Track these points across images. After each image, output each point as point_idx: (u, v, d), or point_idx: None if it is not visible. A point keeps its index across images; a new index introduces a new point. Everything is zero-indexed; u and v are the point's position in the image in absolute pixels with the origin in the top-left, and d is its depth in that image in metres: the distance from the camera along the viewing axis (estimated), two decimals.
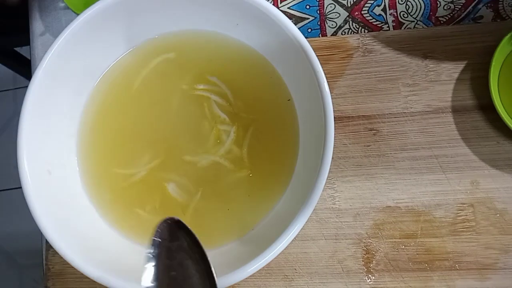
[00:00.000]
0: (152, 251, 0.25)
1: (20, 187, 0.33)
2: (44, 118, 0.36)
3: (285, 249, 0.31)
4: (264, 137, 0.37)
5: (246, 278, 0.37)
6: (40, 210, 0.32)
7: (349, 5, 0.44)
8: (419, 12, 0.43)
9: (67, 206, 0.35)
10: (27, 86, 0.35)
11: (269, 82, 0.37)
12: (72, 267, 0.32)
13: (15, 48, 0.95)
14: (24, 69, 0.96)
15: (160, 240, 0.26)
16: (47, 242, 0.41)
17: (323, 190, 0.32)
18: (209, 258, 0.26)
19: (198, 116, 0.38)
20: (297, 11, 0.45)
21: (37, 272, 1.09)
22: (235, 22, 0.36)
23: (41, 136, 0.35)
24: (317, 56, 0.33)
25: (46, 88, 0.35)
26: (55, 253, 0.41)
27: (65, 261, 0.32)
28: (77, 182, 0.38)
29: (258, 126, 0.37)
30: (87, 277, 0.32)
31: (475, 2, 0.43)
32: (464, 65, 0.40)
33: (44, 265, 0.42)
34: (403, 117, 0.40)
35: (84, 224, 0.36)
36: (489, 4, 0.43)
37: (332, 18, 0.44)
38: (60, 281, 0.41)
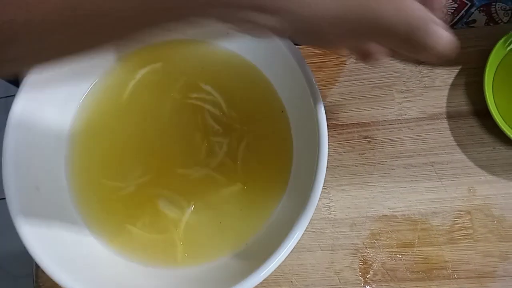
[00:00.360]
0: None
1: None
2: (32, 131, 0.35)
3: None
4: (257, 149, 0.36)
5: None
6: (27, 229, 0.31)
7: None
8: None
9: (56, 223, 0.34)
10: None
11: (262, 92, 0.36)
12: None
13: None
14: (15, 77, 0.95)
15: None
16: None
17: (318, 200, 0.31)
18: None
19: (190, 127, 0.37)
20: None
21: (31, 282, 1.07)
22: (225, 30, 0.35)
23: (29, 150, 0.34)
24: (309, 63, 0.32)
25: (33, 100, 0.35)
26: None
27: None
28: (66, 198, 0.37)
29: (251, 138, 0.36)
30: None
31: (467, 6, 0.43)
32: (458, 70, 0.40)
33: (34, 282, 0.41)
34: (398, 124, 0.40)
35: (73, 241, 0.35)
36: (481, 8, 0.42)
37: None
38: None
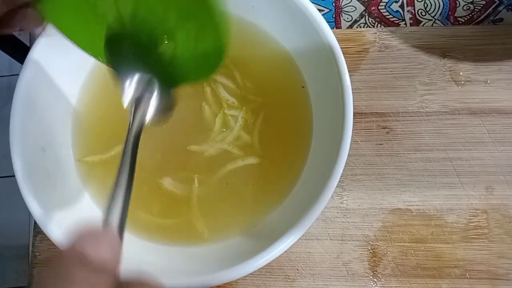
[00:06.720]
0: None
1: (5, 176, 0.31)
2: (41, 93, 0.33)
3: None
4: (275, 123, 0.34)
5: (245, 276, 0.35)
6: (30, 189, 0.29)
7: None
8: (437, 11, 0.42)
9: (60, 188, 0.33)
10: None
11: (282, 66, 0.35)
12: None
13: (14, 33, 0.92)
14: (21, 55, 0.93)
15: None
16: (35, 227, 0.39)
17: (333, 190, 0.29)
18: None
19: (202, 101, 0.36)
20: (312, 2, 0.43)
21: (19, 264, 1.05)
22: (250, 3, 0.34)
23: (37, 112, 0.33)
24: None
25: (45, 62, 0.33)
26: (43, 239, 0.38)
27: (53, 248, 0.30)
28: (71, 164, 0.35)
29: (268, 111, 0.35)
30: None
31: (495, 4, 0.42)
32: (483, 66, 0.39)
33: (30, 251, 0.39)
34: (418, 116, 0.38)
35: (78, 210, 0.34)
36: (510, 7, 0.41)
37: (347, 12, 0.43)
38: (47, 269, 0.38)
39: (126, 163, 0.24)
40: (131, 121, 0.27)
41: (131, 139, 0.26)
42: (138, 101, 0.28)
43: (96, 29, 0.28)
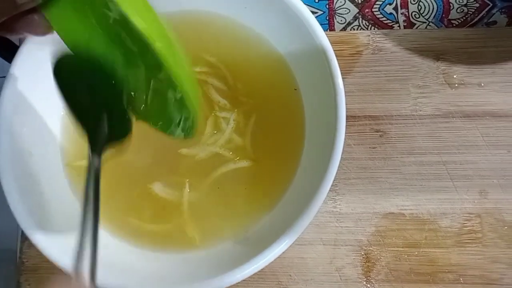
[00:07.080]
0: None
1: None
2: (29, 94, 0.33)
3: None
4: (267, 126, 0.34)
5: (237, 283, 0.34)
6: (16, 193, 0.29)
7: (359, 1, 0.42)
8: (431, 14, 0.42)
9: (47, 192, 0.32)
10: None
11: (275, 68, 0.35)
12: (49, 261, 0.29)
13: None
14: (11, 55, 0.92)
15: None
16: (22, 232, 0.38)
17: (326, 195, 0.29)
18: None
19: None
20: (305, 4, 0.43)
21: (8, 271, 1.04)
22: (243, 5, 0.33)
23: (25, 114, 0.32)
24: None
25: (34, 63, 0.33)
26: (31, 245, 0.37)
27: (41, 255, 0.29)
28: (59, 169, 0.35)
29: (260, 114, 0.34)
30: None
31: (489, 7, 0.42)
32: (476, 69, 0.39)
33: (17, 258, 0.38)
34: (412, 119, 0.38)
35: (65, 216, 0.33)
36: (503, 10, 0.41)
37: (341, 14, 0.42)
38: (34, 276, 0.38)
39: (90, 201, 0.22)
40: (90, 154, 0.25)
41: (92, 173, 0.24)
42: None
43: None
